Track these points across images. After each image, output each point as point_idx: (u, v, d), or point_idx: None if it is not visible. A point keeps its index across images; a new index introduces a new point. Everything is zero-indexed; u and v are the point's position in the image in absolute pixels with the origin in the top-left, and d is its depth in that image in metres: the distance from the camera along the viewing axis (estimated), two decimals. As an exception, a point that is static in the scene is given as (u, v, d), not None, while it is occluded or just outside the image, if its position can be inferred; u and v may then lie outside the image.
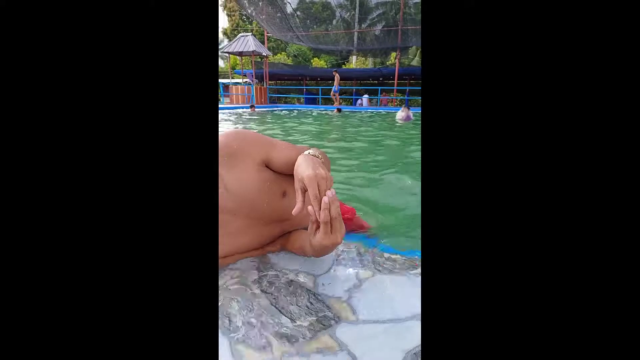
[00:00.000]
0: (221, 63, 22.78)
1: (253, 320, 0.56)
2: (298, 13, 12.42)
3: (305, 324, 0.56)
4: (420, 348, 0.50)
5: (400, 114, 5.58)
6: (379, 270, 0.72)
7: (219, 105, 9.95)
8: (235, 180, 0.67)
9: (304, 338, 0.53)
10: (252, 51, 10.21)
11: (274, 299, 0.62)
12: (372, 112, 8.49)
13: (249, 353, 0.49)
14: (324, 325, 0.56)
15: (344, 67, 15.62)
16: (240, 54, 10.71)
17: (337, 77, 10.43)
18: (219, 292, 0.65)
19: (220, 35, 22.15)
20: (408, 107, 6.67)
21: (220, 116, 6.27)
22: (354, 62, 16.01)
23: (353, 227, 1.05)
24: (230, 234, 0.69)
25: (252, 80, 11.42)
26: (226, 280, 0.69)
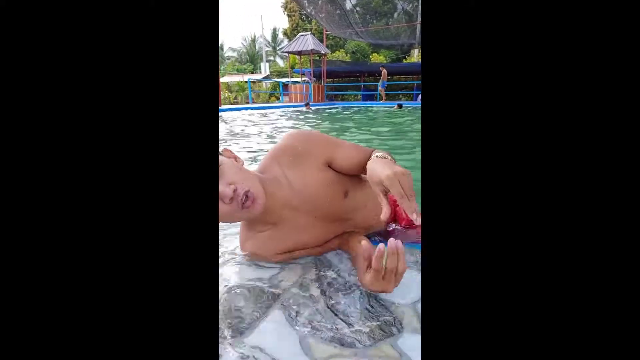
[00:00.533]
0: (280, 63, 23.68)
1: (312, 320, 0.56)
2: (357, 9, 12.28)
3: (365, 329, 0.54)
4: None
5: None
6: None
7: (278, 104, 10.34)
8: (299, 179, 0.69)
9: (362, 345, 0.51)
10: (311, 50, 10.38)
11: (332, 300, 0.61)
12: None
13: (316, 346, 0.49)
14: (384, 332, 0.53)
15: (404, 61, 15.06)
16: (299, 53, 10.97)
17: (384, 72, 10.37)
18: (279, 288, 0.66)
19: (281, 36, 23.00)
20: None
21: (276, 115, 6.50)
22: (416, 56, 15.33)
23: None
24: (293, 229, 0.71)
25: (310, 79, 11.63)
26: (284, 279, 0.70)
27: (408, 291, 0.63)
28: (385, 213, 0.53)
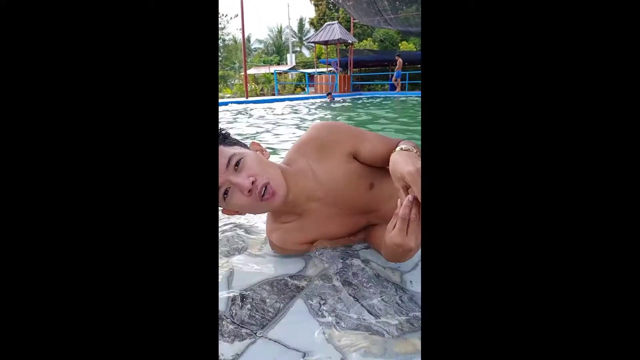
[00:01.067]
0: (307, 53, 23.56)
1: (335, 309, 0.56)
2: (386, -5, 11.88)
3: (394, 322, 0.53)
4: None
5: None
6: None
7: (302, 95, 10.32)
8: (324, 171, 0.70)
9: (390, 335, 0.50)
10: (338, 39, 10.24)
11: (357, 291, 0.61)
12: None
13: (341, 334, 0.49)
14: (414, 326, 0.52)
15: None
16: (326, 42, 10.85)
17: (399, 61, 10.12)
18: (303, 280, 0.66)
19: (307, 26, 22.84)
20: None
21: (297, 106, 6.50)
22: (447, 43, 14.62)
23: None
24: (318, 221, 0.72)
25: (337, 69, 11.50)
26: (309, 272, 0.70)
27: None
28: (405, 201, 0.52)
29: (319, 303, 0.58)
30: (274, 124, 3.77)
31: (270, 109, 5.92)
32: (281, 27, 25.06)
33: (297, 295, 0.61)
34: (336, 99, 8.22)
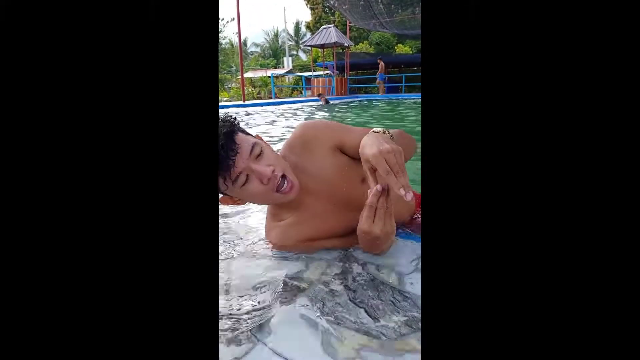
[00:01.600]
0: (303, 56, 23.64)
1: (335, 312, 0.56)
2: (382, -2, 11.96)
3: (391, 324, 0.53)
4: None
5: None
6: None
7: (299, 98, 10.35)
8: (314, 166, 0.72)
9: (388, 338, 0.50)
10: (334, 43, 10.29)
11: (356, 294, 0.61)
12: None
13: (341, 337, 0.49)
14: (411, 327, 0.52)
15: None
16: (323, 46, 10.90)
17: (381, 65, 10.40)
18: (303, 282, 0.66)
19: (303, 29, 22.93)
20: None
21: (294, 109, 6.51)
22: (442, 46, 14.73)
23: None
24: (314, 216, 0.73)
25: (333, 72, 11.54)
26: (309, 274, 0.70)
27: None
28: (374, 190, 0.55)
29: (319, 307, 0.58)
30: (271, 124, 3.78)
31: (267, 112, 5.93)
32: (277, 31, 25.16)
33: (296, 299, 0.61)
34: (333, 101, 8.24)
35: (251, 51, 25.99)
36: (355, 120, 4.55)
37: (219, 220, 1.00)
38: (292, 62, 21.39)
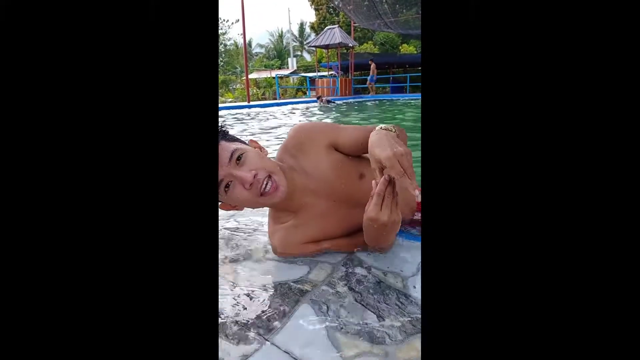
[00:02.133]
0: (308, 57, 23.62)
1: (340, 314, 0.57)
2: (386, -1, 11.92)
3: (397, 324, 0.54)
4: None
5: None
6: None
7: (304, 99, 10.35)
8: (310, 164, 0.73)
9: (392, 340, 0.51)
10: (338, 43, 10.27)
11: (361, 296, 0.62)
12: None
13: (345, 341, 0.50)
14: (416, 327, 0.53)
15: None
16: (327, 46, 10.89)
17: (373, 66, 10.48)
18: (307, 285, 0.67)
19: (308, 30, 22.92)
20: None
21: (299, 109, 6.51)
22: (447, 45, 14.59)
23: None
24: (316, 216, 0.74)
25: (338, 73, 11.53)
26: (313, 277, 0.71)
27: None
28: (381, 179, 0.56)
29: (324, 308, 0.59)
30: (275, 126, 3.79)
31: (272, 112, 5.95)
32: (282, 32, 25.18)
33: (301, 300, 0.62)
34: (336, 102, 8.22)
35: (256, 52, 26.05)
36: (359, 122, 4.54)
37: (224, 224, 1.01)
38: (297, 63, 21.39)
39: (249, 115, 5.59)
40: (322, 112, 5.98)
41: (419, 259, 0.74)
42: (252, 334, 0.54)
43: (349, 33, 12.18)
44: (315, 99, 8.57)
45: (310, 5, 18.69)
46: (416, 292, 0.62)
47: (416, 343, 0.50)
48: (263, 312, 0.59)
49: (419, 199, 0.54)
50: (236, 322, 0.57)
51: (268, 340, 0.52)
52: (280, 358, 0.49)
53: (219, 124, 0.66)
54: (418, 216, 0.93)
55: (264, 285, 0.67)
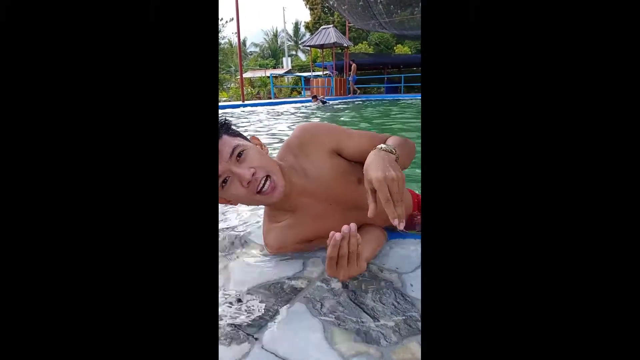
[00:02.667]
0: (303, 57, 23.65)
1: (335, 311, 0.56)
2: (381, -1, 11.98)
3: (391, 324, 0.53)
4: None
5: None
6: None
7: (299, 99, 10.35)
8: (311, 166, 0.72)
9: (388, 341, 0.50)
10: (333, 43, 10.29)
11: (356, 294, 0.61)
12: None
13: (341, 339, 0.49)
14: (411, 327, 0.52)
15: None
16: (322, 46, 10.91)
17: (354, 66, 10.73)
18: (301, 282, 0.66)
19: (303, 29, 22.93)
20: None
21: (293, 109, 6.51)
22: (441, 46, 14.73)
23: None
24: (311, 217, 0.73)
25: (332, 73, 11.55)
26: (307, 274, 0.70)
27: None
28: (371, 210, 0.56)
29: (318, 307, 0.58)
30: (269, 125, 3.78)
31: (267, 111, 5.93)
32: (277, 31, 25.16)
33: (295, 298, 0.60)
34: (330, 102, 8.23)
35: (250, 51, 25.99)
36: (354, 123, 4.55)
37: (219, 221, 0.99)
38: (291, 63, 21.39)
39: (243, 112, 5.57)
40: (316, 111, 5.98)
41: (414, 255, 0.73)
42: (245, 334, 0.52)
43: (343, 33, 12.22)
44: (310, 98, 8.57)
45: (305, 5, 18.70)
46: (412, 291, 0.61)
47: (411, 345, 0.49)
48: (256, 310, 0.58)
49: (400, 228, 0.53)
50: (229, 321, 0.55)
51: (260, 341, 0.51)
52: (273, 358, 0.47)
53: (221, 120, 0.65)
54: (417, 219, 0.93)
55: (257, 283, 0.66)
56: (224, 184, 0.62)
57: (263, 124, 4.19)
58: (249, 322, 0.55)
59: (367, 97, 10.29)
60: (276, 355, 0.48)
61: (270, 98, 10.78)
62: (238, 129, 0.71)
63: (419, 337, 0.50)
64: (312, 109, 6.46)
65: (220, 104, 8.13)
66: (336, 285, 0.63)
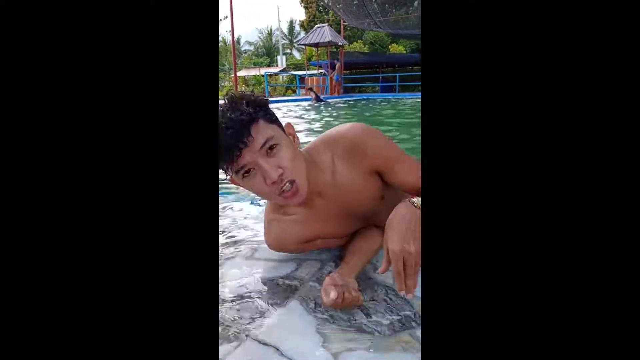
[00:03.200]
0: (297, 55, 23.57)
1: (329, 309, 0.56)
2: (376, -2, 11.98)
3: (385, 321, 0.53)
4: None
5: None
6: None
7: (293, 97, 10.32)
8: (345, 175, 0.67)
9: (381, 334, 0.51)
10: (328, 42, 10.27)
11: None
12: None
13: (334, 333, 0.50)
14: (404, 325, 0.53)
15: (423, 51, 14.59)
16: (317, 45, 10.89)
17: (338, 65, 10.84)
18: (295, 281, 0.66)
19: (297, 28, 22.85)
20: None
21: (281, 108, 6.49)
22: (435, 46, 14.78)
23: None
24: (320, 219, 0.70)
25: (327, 71, 11.53)
26: (301, 273, 0.70)
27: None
28: (382, 269, 0.53)
29: (311, 305, 0.58)
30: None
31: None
32: (271, 29, 25.03)
33: (290, 297, 0.61)
34: (328, 100, 8.22)
35: (244, 49, 25.81)
36: (347, 118, 4.56)
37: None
38: (286, 61, 21.30)
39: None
40: (311, 110, 5.97)
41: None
42: (239, 331, 0.53)
43: (338, 32, 12.20)
44: (308, 97, 8.54)
45: (300, 3, 18.62)
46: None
47: (403, 336, 0.50)
48: (251, 308, 0.58)
49: (408, 297, 0.53)
50: (225, 319, 0.55)
51: (250, 336, 0.51)
52: (268, 352, 0.48)
53: (264, 101, 0.59)
54: None
55: (252, 282, 0.66)
56: (246, 174, 0.57)
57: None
58: (242, 319, 0.55)
59: (359, 97, 10.29)
60: (267, 345, 0.48)
61: (265, 96, 10.71)
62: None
63: (411, 331, 0.51)
64: (305, 107, 6.44)
65: (214, 102, 8.04)
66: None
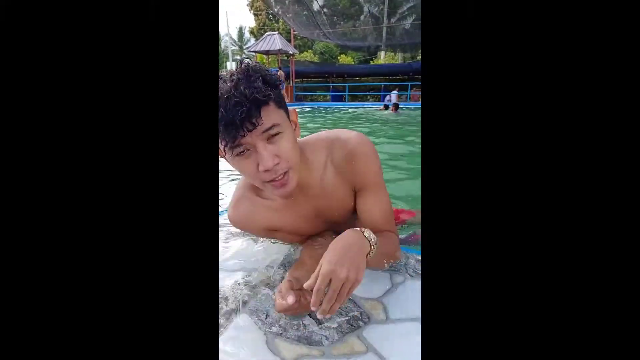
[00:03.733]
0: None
1: (280, 319, 0.56)
2: (325, 10, 12.37)
3: (334, 325, 0.55)
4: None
5: None
6: (411, 276, 0.69)
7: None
8: (331, 182, 0.67)
9: (330, 340, 0.52)
10: (279, 50, 10.30)
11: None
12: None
13: (285, 346, 0.49)
14: (352, 326, 0.55)
15: (372, 63, 15.38)
16: (267, 52, 10.85)
17: (280, 73, 11.18)
18: (246, 291, 0.65)
19: (247, 35, 22.58)
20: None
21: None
22: (383, 58, 15.73)
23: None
24: (293, 214, 0.71)
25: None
26: (252, 280, 0.69)
27: (377, 286, 0.65)
28: (307, 285, 0.51)
29: (263, 318, 0.58)
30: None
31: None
32: (220, 35, 24.40)
33: (240, 310, 0.59)
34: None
35: (192, 54, 24.70)
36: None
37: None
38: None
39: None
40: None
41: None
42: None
43: (289, 40, 12.31)
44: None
45: (250, 10, 18.47)
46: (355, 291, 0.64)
47: (351, 340, 0.52)
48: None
49: (319, 317, 0.51)
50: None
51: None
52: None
53: (279, 82, 0.56)
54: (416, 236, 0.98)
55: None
56: (240, 154, 0.54)
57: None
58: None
59: (312, 104, 10.46)
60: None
61: (214, 103, 10.37)
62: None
63: (358, 332, 0.53)
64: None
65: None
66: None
